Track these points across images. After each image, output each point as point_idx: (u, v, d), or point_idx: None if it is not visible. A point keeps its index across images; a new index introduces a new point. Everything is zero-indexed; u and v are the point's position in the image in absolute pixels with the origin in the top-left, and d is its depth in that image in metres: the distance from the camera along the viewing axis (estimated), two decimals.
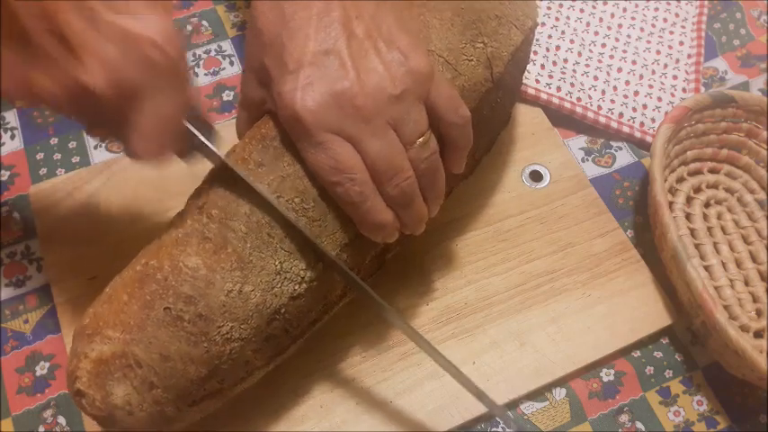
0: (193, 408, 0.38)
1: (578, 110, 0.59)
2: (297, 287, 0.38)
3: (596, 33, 0.64)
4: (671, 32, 0.66)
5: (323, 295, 0.41)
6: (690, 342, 0.51)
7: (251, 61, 0.40)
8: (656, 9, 0.67)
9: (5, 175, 0.54)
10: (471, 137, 0.41)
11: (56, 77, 0.31)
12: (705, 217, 0.56)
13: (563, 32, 0.64)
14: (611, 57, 0.63)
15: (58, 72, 0.31)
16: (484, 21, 0.45)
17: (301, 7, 0.37)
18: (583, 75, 0.61)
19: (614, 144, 0.60)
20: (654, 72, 0.63)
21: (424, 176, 0.39)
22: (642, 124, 0.60)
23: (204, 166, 0.48)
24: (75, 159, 0.55)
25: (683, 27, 0.66)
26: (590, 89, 0.61)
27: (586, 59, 0.62)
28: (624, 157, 0.59)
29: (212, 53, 0.61)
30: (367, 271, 0.44)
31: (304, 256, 0.38)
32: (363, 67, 0.37)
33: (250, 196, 0.38)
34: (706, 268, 0.54)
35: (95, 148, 0.56)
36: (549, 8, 0.65)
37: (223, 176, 0.40)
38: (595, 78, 0.61)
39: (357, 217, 0.38)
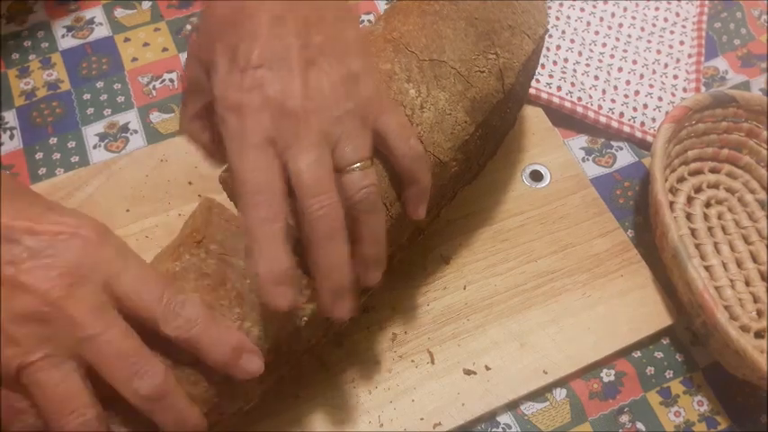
0: None
1: (579, 109, 0.59)
2: (297, 321, 0.38)
3: (597, 33, 0.64)
4: (671, 32, 0.65)
5: (323, 324, 0.40)
6: (690, 342, 0.51)
7: (202, 47, 0.38)
8: (657, 8, 0.67)
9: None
10: (426, 174, 0.39)
11: None
12: (706, 217, 0.56)
13: (563, 32, 0.63)
14: (612, 56, 0.63)
15: None
16: (497, 31, 0.44)
17: (262, 7, 0.36)
18: (583, 74, 0.61)
19: (615, 144, 0.60)
20: (654, 71, 0.63)
21: (357, 208, 0.36)
22: (643, 124, 0.60)
23: (206, 165, 0.48)
24: (75, 159, 0.55)
25: (684, 26, 0.66)
26: (590, 89, 0.61)
27: (587, 59, 0.62)
28: (625, 156, 0.59)
29: None
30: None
31: (305, 291, 0.38)
32: (311, 80, 0.36)
33: None
34: (707, 268, 0.53)
35: (94, 147, 0.56)
36: (549, 7, 0.65)
37: (220, 208, 0.39)
38: (596, 78, 0.61)
39: (258, 244, 0.34)
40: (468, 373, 0.47)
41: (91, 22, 0.63)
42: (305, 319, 0.38)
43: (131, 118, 0.57)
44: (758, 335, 0.51)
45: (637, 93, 0.61)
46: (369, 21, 0.65)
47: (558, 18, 0.64)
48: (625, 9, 0.66)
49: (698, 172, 0.58)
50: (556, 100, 0.59)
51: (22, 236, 0.32)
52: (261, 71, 0.35)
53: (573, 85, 0.60)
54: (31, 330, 0.31)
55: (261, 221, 0.34)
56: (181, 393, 0.34)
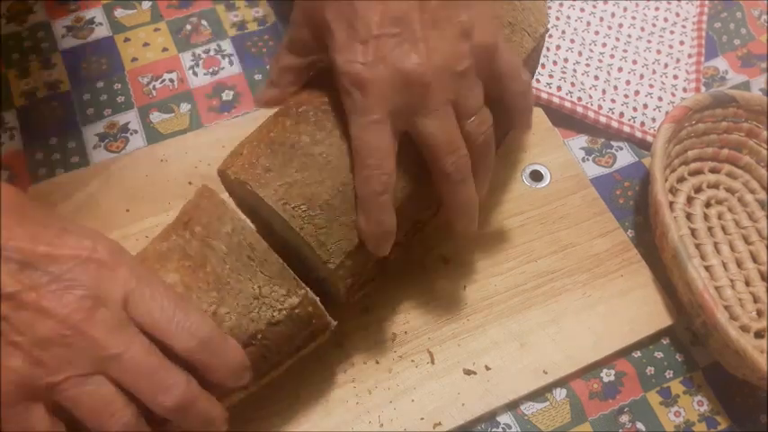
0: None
1: (579, 109, 0.59)
2: (276, 314, 0.37)
3: (597, 33, 0.64)
4: (671, 32, 0.65)
5: (307, 323, 0.39)
6: (690, 342, 0.51)
7: (315, 11, 0.39)
8: (657, 8, 0.67)
9: (5, 175, 0.54)
10: (532, 101, 0.42)
11: None
12: (706, 217, 0.56)
13: (563, 32, 0.63)
14: (612, 56, 0.63)
15: None
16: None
17: None
18: (583, 74, 0.61)
19: (615, 144, 0.60)
20: (654, 71, 0.63)
21: (477, 150, 0.39)
22: (643, 124, 0.60)
23: (206, 165, 0.48)
24: (75, 159, 0.55)
25: (684, 26, 0.66)
26: (590, 89, 0.61)
27: (587, 59, 0.62)
28: (625, 156, 0.59)
29: (212, 53, 0.61)
30: (369, 275, 0.44)
31: (285, 283, 0.37)
32: (432, 42, 0.36)
33: (234, 216, 0.38)
34: (707, 268, 0.53)
35: (94, 148, 0.56)
36: (549, 7, 0.65)
37: (210, 192, 0.39)
38: (596, 78, 0.61)
39: (368, 208, 0.38)
40: (468, 373, 0.47)
41: (91, 22, 0.63)
42: (284, 312, 0.37)
43: (131, 118, 0.57)
44: (758, 335, 0.51)
45: (637, 93, 0.61)
46: None
47: (558, 18, 0.64)
48: (625, 9, 0.66)
49: (698, 172, 0.58)
50: (556, 100, 0.59)
51: (41, 261, 0.32)
52: (382, 41, 0.36)
53: (573, 85, 0.60)
54: (55, 353, 0.32)
55: (373, 193, 0.37)
56: (204, 396, 0.34)
